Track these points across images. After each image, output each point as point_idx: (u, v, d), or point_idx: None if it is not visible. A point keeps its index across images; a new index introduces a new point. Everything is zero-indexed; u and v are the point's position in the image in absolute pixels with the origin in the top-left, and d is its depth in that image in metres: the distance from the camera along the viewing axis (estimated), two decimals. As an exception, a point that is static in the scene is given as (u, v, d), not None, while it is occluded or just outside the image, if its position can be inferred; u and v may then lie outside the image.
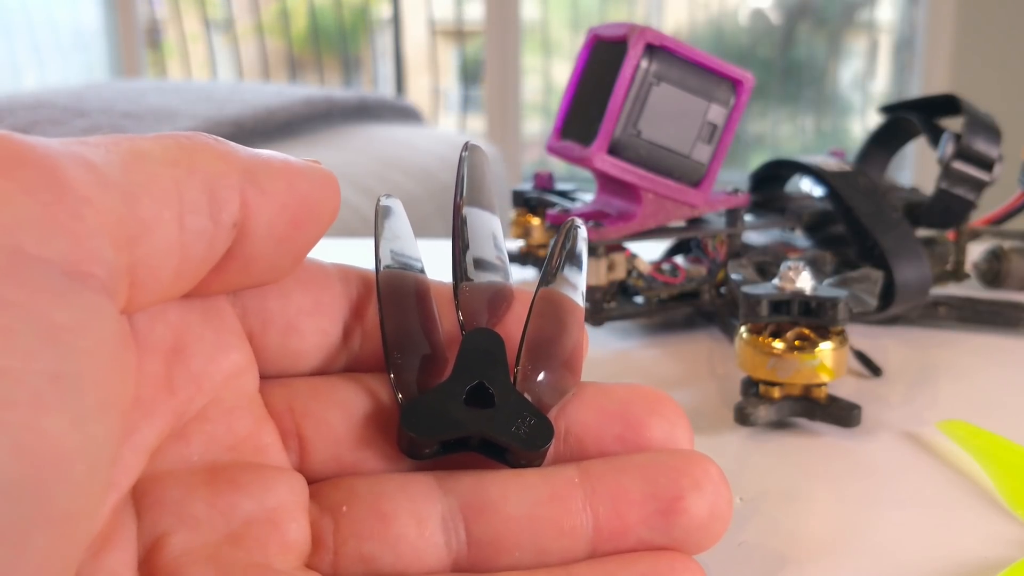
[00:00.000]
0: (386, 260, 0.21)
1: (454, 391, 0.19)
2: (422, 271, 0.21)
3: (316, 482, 0.19)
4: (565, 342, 0.21)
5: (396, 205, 0.22)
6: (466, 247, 0.21)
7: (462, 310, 0.21)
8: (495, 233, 0.22)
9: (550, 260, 0.22)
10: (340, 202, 0.19)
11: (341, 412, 0.20)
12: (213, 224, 0.17)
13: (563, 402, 0.20)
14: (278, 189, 0.18)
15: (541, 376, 0.20)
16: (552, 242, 0.22)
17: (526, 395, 0.20)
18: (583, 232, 0.22)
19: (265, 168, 0.18)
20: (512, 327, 0.21)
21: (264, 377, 0.20)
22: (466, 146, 0.22)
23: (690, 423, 0.21)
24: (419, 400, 0.19)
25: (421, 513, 0.18)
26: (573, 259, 0.22)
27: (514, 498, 0.18)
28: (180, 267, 0.16)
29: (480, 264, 0.21)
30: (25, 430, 0.12)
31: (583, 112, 0.37)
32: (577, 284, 0.21)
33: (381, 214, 0.21)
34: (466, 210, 0.22)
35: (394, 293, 0.20)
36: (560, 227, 0.22)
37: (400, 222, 0.22)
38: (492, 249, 0.22)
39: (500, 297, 0.22)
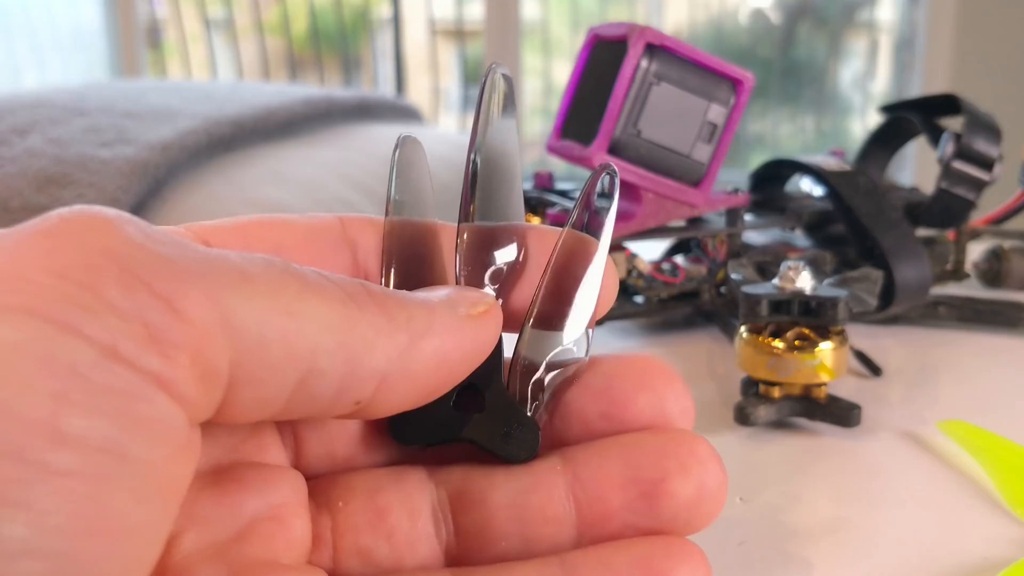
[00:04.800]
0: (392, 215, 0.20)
1: (444, 394, 0.19)
2: (434, 229, 0.20)
3: (310, 479, 0.19)
4: (583, 297, 0.19)
5: (414, 147, 0.21)
6: (476, 188, 0.20)
7: (464, 259, 0.20)
8: (514, 181, 0.21)
9: (579, 204, 0.20)
10: (492, 347, 0.18)
11: None
12: (334, 398, 0.16)
13: (575, 368, 0.19)
14: (427, 367, 0.17)
15: (552, 336, 0.19)
16: (583, 189, 0.20)
17: (535, 355, 0.19)
18: (617, 180, 0.20)
19: (422, 343, 0.17)
20: (525, 280, 0.20)
21: None
22: (491, 68, 0.20)
23: (686, 391, 0.20)
24: None
25: (414, 505, 0.19)
26: (602, 206, 0.20)
27: (499, 489, 0.19)
28: (277, 414, 0.16)
29: (491, 210, 0.20)
30: (88, 501, 0.13)
31: (583, 112, 0.37)
32: (606, 233, 0.20)
33: (397, 157, 0.20)
34: (478, 157, 0.20)
35: (401, 257, 0.20)
36: (593, 173, 0.20)
37: (419, 171, 0.21)
38: (508, 195, 0.20)
39: (509, 239, 0.20)
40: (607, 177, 0.20)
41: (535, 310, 0.19)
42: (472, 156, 0.20)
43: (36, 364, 0.13)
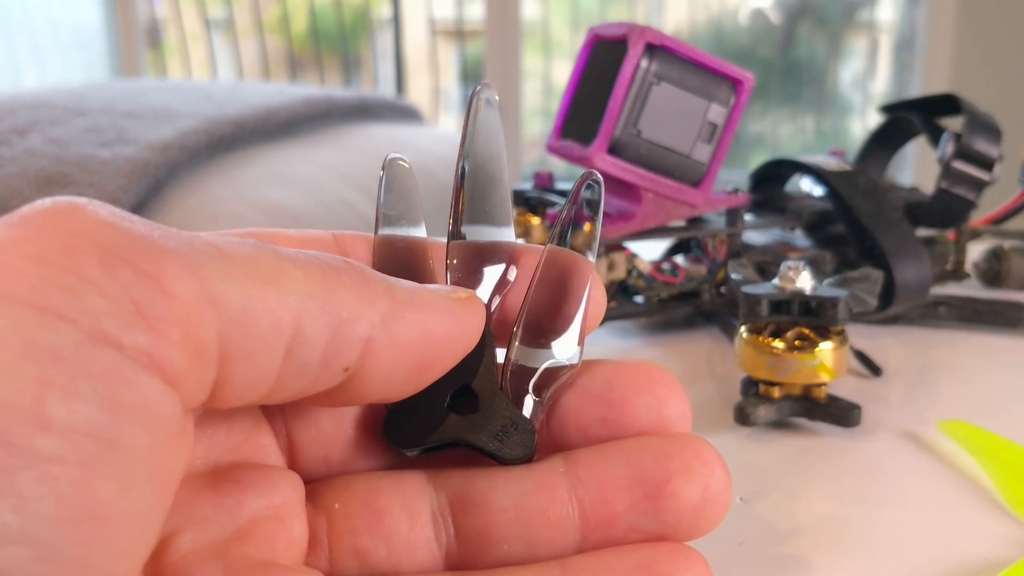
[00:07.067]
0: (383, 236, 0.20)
1: (438, 395, 0.19)
2: (423, 245, 0.21)
3: (306, 482, 0.19)
4: (570, 315, 0.20)
5: (402, 168, 0.21)
6: (467, 205, 0.20)
7: (453, 272, 0.20)
8: (501, 186, 0.21)
9: (561, 226, 0.20)
10: (477, 338, 0.19)
11: (330, 411, 0.20)
12: (323, 365, 0.16)
13: (566, 378, 0.20)
14: (411, 337, 0.17)
15: (539, 355, 0.19)
16: (568, 199, 0.21)
17: (525, 367, 0.19)
18: (601, 188, 0.20)
19: (403, 313, 0.17)
20: (513, 293, 0.20)
21: None
22: (477, 89, 0.21)
23: (685, 396, 0.20)
24: (401, 406, 0.19)
25: (412, 508, 0.18)
26: (591, 232, 0.20)
27: (500, 491, 0.18)
28: (272, 391, 0.16)
29: (480, 215, 0.20)
30: (73, 488, 0.13)
31: (583, 112, 0.37)
32: (589, 256, 0.20)
33: (385, 179, 0.21)
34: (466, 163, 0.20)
35: (391, 272, 0.20)
36: (577, 180, 0.21)
37: (406, 184, 0.21)
38: (496, 200, 0.21)
39: (498, 260, 0.20)
40: (591, 186, 0.20)
41: (520, 327, 0.20)
42: (460, 163, 0.20)
43: (17, 350, 0.13)
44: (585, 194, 0.20)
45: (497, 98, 0.21)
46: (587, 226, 0.20)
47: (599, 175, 0.21)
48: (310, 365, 0.16)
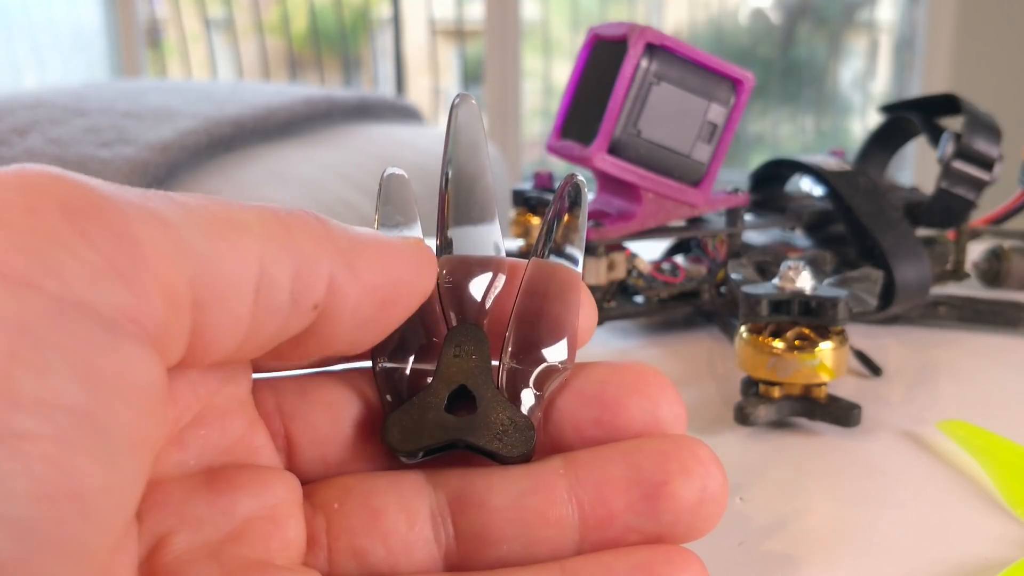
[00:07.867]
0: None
1: (436, 398, 0.19)
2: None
3: (305, 483, 0.19)
4: (558, 319, 0.20)
5: (400, 181, 0.21)
6: (452, 210, 0.21)
7: (446, 290, 0.20)
8: (486, 198, 0.21)
9: (546, 227, 0.21)
10: (433, 282, 0.19)
11: (328, 413, 0.20)
12: (292, 303, 0.16)
13: (559, 381, 0.20)
14: (372, 273, 0.18)
15: (531, 359, 0.20)
16: (550, 206, 0.21)
17: (519, 369, 0.19)
18: (584, 194, 0.21)
19: (361, 251, 0.18)
20: (502, 305, 0.20)
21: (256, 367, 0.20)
22: (456, 100, 0.21)
23: (679, 397, 0.20)
24: (400, 411, 0.19)
25: (411, 508, 0.18)
26: (572, 225, 0.21)
27: (499, 491, 0.18)
28: (248, 337, 0.16)
29: (464, 216, 0.21)
30: (47, 464, 0.12)
31: (583, 111, 0.37)
32: (575, 254, 0.21)
33: (384, 188, 0.21)
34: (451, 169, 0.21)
35: None
36: (559, 187, 0.21)
37: (404, 196, 0.21)
38: (479, 197, 0.21)
39: (487, 270, 0.21)
40: (573, 187, 0.21)
41: (511, 332, 0.20)
42: (444, 172, 0.21)
43: None
44: (568, 195, 0.21)
45: (473, 102, 0.21)
46: (566, 217, 0.21)
47: (581, 177, 0.21)
48: (280, 304, 0.16)
